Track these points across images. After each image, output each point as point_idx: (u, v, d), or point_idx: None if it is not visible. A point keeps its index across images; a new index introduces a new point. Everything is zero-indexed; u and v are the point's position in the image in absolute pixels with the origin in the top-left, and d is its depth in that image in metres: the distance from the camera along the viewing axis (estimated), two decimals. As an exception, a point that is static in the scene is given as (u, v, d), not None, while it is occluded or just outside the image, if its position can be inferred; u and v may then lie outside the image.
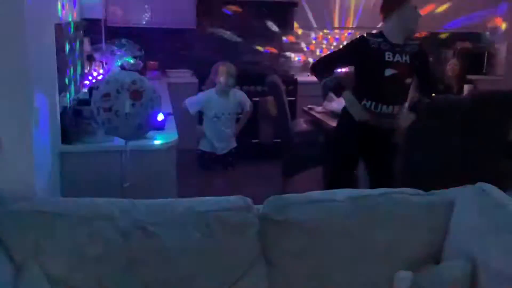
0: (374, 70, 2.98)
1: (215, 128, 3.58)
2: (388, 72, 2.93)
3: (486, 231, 1.77)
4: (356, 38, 3.17)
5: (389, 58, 2.94)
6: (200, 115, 3.73)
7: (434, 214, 1.96)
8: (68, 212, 1.77)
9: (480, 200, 1.90)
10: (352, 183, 3.21)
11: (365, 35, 3.06)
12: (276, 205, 1.92)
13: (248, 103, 3.70)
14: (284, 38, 5.89)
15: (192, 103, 3.62)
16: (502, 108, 3.63)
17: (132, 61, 3.91)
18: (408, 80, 3.01)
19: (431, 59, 3.41)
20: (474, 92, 4.30)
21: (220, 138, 3.62)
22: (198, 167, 3.83)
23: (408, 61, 2.96)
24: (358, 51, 3.03)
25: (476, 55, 5.91)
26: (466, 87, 4.48)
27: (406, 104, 3.08)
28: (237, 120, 3.72)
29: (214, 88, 3.58)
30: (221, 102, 3.55)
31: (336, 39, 6.01)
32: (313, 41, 6.01)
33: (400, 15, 2.95)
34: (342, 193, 2.00)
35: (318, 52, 5.99)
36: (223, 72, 3.51)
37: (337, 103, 4.12)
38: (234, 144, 3.71)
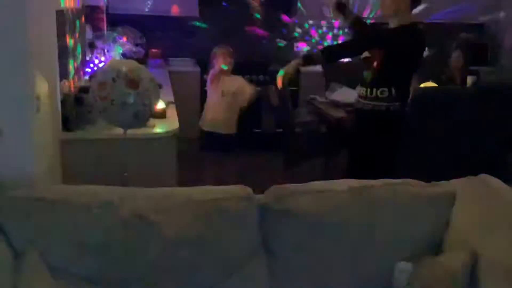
0: None
1: (219, 104, 3.69)
2: (364, 54, 3.12)
3: (487, 223, 1.76)
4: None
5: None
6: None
7: (436, 205, 1.95)
8: (68, 200, 1.76)
9: (482, 191, 1.90)
10: None
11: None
12: (276, 195, 1.91)
13: (248, 88, 3.76)
14: (287, 27, 5.85)
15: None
16: (507, 99, 3.60)
17: (133, 48, 3.89)
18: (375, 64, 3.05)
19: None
20: (478, 83, 4.27)
21: (221, 115, 3.71)
22: (200, 149, 3.84)
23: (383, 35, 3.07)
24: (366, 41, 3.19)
25: (480, 45, 5.86)
26: (470, 78, 4.45)
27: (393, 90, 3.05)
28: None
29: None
30: (226, 80, 3.69)
31: (338, 29, 5.97)
32: (317, 31, 5.97)
33: None
34: (343, 183, 1.99)
35: (322, 42, 5.95)
36: (219, 54, 3.68)
37: (340, 94, 4.10)
38: (234, 129, 3.79)
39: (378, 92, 3.03)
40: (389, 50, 2.97)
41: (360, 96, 3.16)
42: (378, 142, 3.10)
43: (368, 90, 3.07)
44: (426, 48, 5.79)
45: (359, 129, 3.25)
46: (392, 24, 3.02)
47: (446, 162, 3.40)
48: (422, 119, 3.39)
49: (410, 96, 3.24)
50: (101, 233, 1.74)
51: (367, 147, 3.15)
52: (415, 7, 3.03)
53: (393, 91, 3.01)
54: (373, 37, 3.20)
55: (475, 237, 1.76)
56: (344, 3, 3.25)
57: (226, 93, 3.68)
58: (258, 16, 5.60)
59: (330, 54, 3.14)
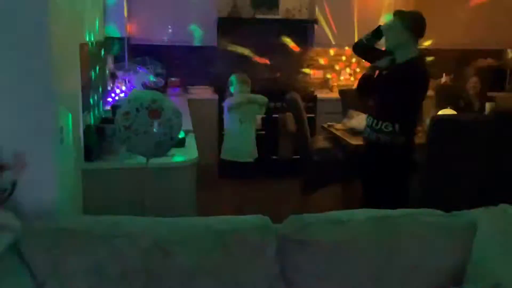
0: None
1: (240, 132, 3.73)
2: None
3: (509, 254, 1.73)
4: None
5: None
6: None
7: (456, 235, 1.93)
8: (89, 230, 1.79)
9: (503, 221, 1.87)
10: None
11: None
12: (295, 224, 1.91)
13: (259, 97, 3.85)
14: (303, 55, 5.92)
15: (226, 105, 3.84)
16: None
17: (153, 79, 3.97)
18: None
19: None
20: (497, 110, 4.24)
21: (243, 143, 3.75)
22: (219, 178, 3.87)
23: (383, 75, 3.04)
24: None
25: (497, 71, 5.84)
26: (488, 105, 4.43)
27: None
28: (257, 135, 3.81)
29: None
30: (244, 108, 3.75)
31: (351, 57, 6.01)
32: (332, 58, 6.02)
33: None
34: (361, 213, 1.99)
35: (337, 69, 6.00)
36: (235, 81, 3.76)
37: (357, 121, 4.11)
38: (256, 154, 3.82)
39: (383, 125, 3.01)
40: (391, 89, 2.98)
41: (367, 125, 3.16)
42: (384, 172, 3.08)
43: (374, 121, 3.07)
44: (444, 75, 5.81)
45: (366, 157, 3.24)
46: (397, 56, 3.02)
47: (464, 190, 3.36)
48: (440, 146, 3.38)
49: (428, 123, 3.23)
50: (121, 262, 1.75)
51: (376, 176, 3.13)
52: (419, 38, 3.01)
53: (397, 127, 2.98)
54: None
55: (498, 269, 1.73)
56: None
57: (244, 120, 3.72)
58: None
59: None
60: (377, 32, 3.19)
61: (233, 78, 3.81)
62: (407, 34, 2.94)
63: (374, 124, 3.06)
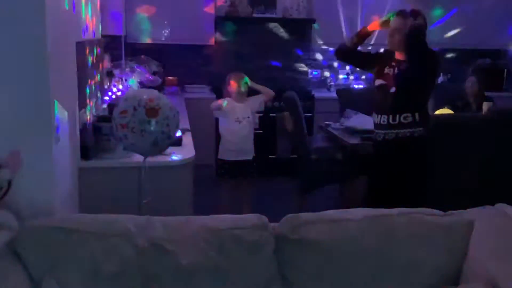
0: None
1: (236, 132, 3.71)
2: (378, 82, 3.14)
3: (505, 254, 1.73)
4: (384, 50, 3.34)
5: (387, 70, 3.11)
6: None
7: (453, 235, 1.93)
8: (85, 229, 1.78)
9: (500, 221, 1.87)
10: None
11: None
12: (292, 224, 1.91)
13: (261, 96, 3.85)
14: (301, 54, 5.91)
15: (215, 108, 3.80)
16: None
17: (151, 77, 3.96)
18: (393, 90, 3.07)
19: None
20: (494, 110, 4.24)
21: (241, 142, 3.72)
22: (218, 177, 3.86)
23: (396, 72, 3.06)
24: (377, 59, 3.25)
25: (495, 71, 5.85)
26: (485, 105, 4.43)
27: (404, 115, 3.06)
28: (255, 134, 3.81)
29: (230, 98, 3.77)
30: (240, 107, 3.73)
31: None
32: (330, 57, 6.02)
33: None
34: (358, 212, 1.98)
35: (334, 68, 5.99)
36: (232, 80, 3.74)
37: (355, 120, 4.11)
38: (253, 153, 3.81)
39: (402, 117, 3.03)
40: (410, 76, 3.00)
41: (380, 125, 3.14)
42: (403, 171, 3.08)
43: (390, 116, 3.06)
44: (441, 74, 5.84)
45: (382, 160, 3.22)
46: (400, 56, 3.08)
47: (461, 190, 3.37)
48: (437, 146, 3.37)
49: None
50: (118, 261, 1.75)
51: (392, 177, 3.13)
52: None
53: (416, 116, 3.02)
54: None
55: (494, 268, 1.73)
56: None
57: (242, 119, 3.71)
58: None
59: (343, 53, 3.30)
60: (362, 35, 3.21)
61: (231, 79, 3.78)
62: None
63: (391, 120, 3.06)
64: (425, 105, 3.14)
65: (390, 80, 3.08)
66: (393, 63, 3.11)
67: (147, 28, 5.28)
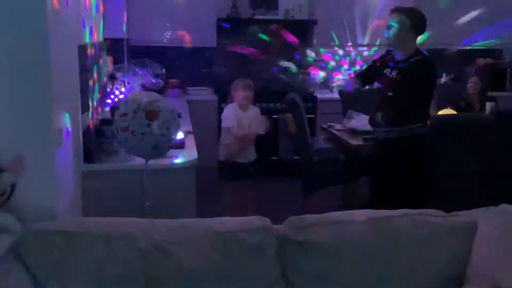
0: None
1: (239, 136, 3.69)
2: (376, 85, 3.19)
3: (510, 255, 1.73)
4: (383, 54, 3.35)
5: (386, 72, 3.12)
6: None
7: (457, 235, 1.92)
8: (88, 232, 1.78)
9: (504, 222, 1.87)
10: None
11: (386, 51, 3.24)
12: (295, 225, 1.90)
13: (262, 124, 3.78)
14: (303, 56, 5.91)
15: (225, 118, 3.77)
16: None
17: (153, 80, 3.96)
18: (391, 94, 3.08)
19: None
20: (497, 110, 4.24)
21: (243, 145, 3.71)
22: (219, 179, 3.86)
23: (394, 76, 3.06)
24: (377, 67, 3.26)
25: (498, 71, 5.83)
26: (488, 105, 4.43)
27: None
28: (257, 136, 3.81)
29: (234, 103, 3.75)
30: (243, 115, 3.71)
31: (356, 56, 6.00)
32: (334, 58, 6.02)
33: None
34: (361, 214, 1.98)
35: (336, 69, 5.99)
36: (239, 87, 3.70)
37: (357, 121, 4.11)
38: (254, 155, 3.79)
39: (402, 119, 3.05)
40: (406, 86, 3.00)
41: (380, 124, 3.15)
42: (405, 171, 3.08)
43: (390, 117, 3.07)
44: (444, 74, 5.83)
45: (384, 159, 3.22)
46: (398, 54, 3.07)
47: (465, 190, 3.36)
48: (440, 146, 3.37)
49: (428, 123, 3.23)
50: (121, 264, 1.75)
51: (394, 177, 3.13)
52: (419, 35, 3.07)
53: (416, 115, 3.06)
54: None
55: (498, 269, 1.72)
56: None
57: (243, 124, 3.69)
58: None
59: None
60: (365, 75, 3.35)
61: (237, 85, 3.75)
62: (410, 31, 2.97)
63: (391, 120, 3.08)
64: (425, 108, 3.14)
65: (388, 84, 3.09)
66: (392, 64, 3.11)
67: (149, 31, 5.28)
